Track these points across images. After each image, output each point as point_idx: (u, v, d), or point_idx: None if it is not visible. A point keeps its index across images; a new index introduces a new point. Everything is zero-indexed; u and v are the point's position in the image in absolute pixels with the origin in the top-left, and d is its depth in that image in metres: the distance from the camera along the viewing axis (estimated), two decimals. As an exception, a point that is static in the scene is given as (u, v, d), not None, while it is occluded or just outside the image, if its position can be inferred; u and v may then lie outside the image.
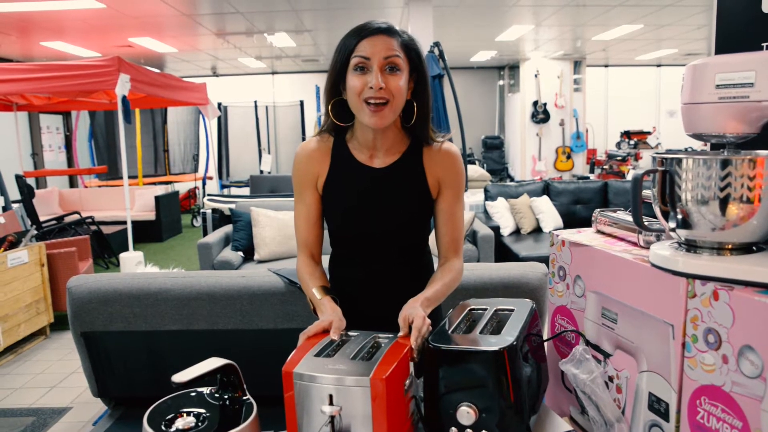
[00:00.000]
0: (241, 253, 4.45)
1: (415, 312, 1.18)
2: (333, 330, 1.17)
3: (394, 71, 1.24)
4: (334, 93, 1.32)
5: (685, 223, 0.99)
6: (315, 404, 1.00)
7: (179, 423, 1.00)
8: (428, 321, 1.16)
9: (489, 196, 5.74)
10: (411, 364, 1.09)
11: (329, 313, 1.24)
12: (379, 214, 1.37)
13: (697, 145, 8.65)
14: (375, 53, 1.23)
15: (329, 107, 1.34)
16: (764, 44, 1.18)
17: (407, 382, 1.06)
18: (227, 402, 1.08)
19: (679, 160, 0.97)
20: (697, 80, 0.97)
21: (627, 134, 10.93)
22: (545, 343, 1.32)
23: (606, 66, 11.97)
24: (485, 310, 1.24)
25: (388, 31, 1.25)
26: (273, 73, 11.87)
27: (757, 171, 0.91)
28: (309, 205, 1.43)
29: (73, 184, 10.41)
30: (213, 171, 9.84)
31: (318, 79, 11.69)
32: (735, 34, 1.26)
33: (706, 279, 0.94)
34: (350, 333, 1.18)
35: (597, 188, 5.90)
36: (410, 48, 1.29)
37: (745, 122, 0.95)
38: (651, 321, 1.05)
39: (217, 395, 1.09)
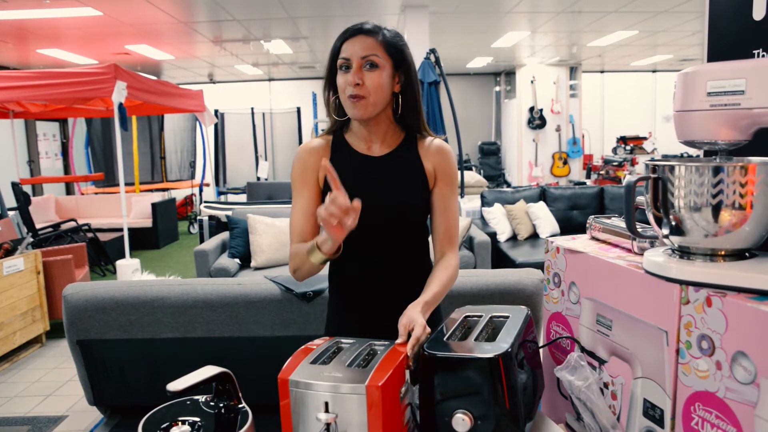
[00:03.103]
0: (237, 261, 4.45)
1: (415, 319, 1.19)
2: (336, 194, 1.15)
3: (372, 68, 1.33)
4: (331, 89, 1.42)
5: (678, 230, 0.99)
6: (311, 412, 1.00)
7: (174, 432, 0.99)
8: (428, 330, 1.18)
9: (486, 202, 5.75)
10: (407, 371, 1.09)
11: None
12: (379, 202, 1.39)
13: (694, 150, 8.67)
14: (354, 53, 1.32)
15: (328, 104, 1.44)
16: (755, 51, 1.19)
17: (403, 389, 1.06)
18: (223, 410, 1.07)
19: (672, 167, 0.97)
20: (688, 88, 0.98)
21: (623, 139, 10.96)
22: (541, 350, 1.32)
23: (602, 72, 12.03)
24: (480, 317, 1.24)
25: (368, 32, 1.34)
26: (270, 80, 11.89)
27: (749, 178, 0.92)
28: (307, 199, 1.45)
29: (69, 191, 10.39)
30: (210, 178, 9.84)
31: (315, 86, 11.71)
32: (727, 41, 1.27)
33: (699, 285, 0.94)
34: (346, 340, 1.18)
35: (593, 194, 5.92)
36: (390, 44, 1.36)
37: (737, 129, 0.96)
38: (645, 327, 1.05)
39: (212, 403, 1.09)
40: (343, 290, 1.49)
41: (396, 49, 1.37)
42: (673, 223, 0.99)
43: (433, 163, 1.44)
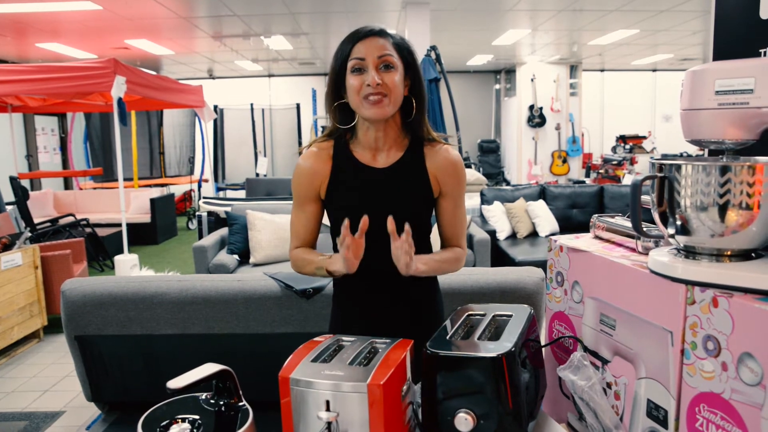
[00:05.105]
0: (236, 257, 4.44)
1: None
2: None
3: (388, 69, 1.31)
4: (335, 97, 1.38)
5: (684, 230, 0.98)
6: (312, 410, 1.00)
7: (174, 429, 0.98)
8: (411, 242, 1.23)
9: (485, 200, 5.74)
10: (408, 369, 1.08)
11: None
12: (381, 214, 1.37)
13: (693, 149, 8.68)
14: (369, 53, 1.30)
15: (331, 111, 1.40)
16: (762, 50, 1.18)
17: (404, 388, 1.06)
18: (223, 408, 1.06)
19: (678, 167, 0.96)
20: (696, 86, 0.97)
21: (623, 138, 10.96)
22: (543, 349, 1.31)
23: (602, 70, 12.01)
24: (483, 315, 1.23)
25: (380, 33, 1.32)
26: (269, 75, 11.86)
27: (757, 177, 0.91)
28: (308, 214, 1.46)
29: (67, 186, 10.35)
30: (209, 174, 9.81)
31: (315, 82, 11.68)
32: (733, 40, 1.27)
33: (705, 285, 0.93)
34: (347, 338, 1.17)
35: (593, 192, 5.91)
36: (402, 47, 1.35)
37: (745, 128, 0.95)
38: (650, 327, 1.04)
39: (212, 401, 1.08)
40: (347, 298, 1.48)
41: (408, 51, 1.36)
42: (679, 222, 0.99)
43: (439, 178, 1.41)
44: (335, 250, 1.49)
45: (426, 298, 1.50)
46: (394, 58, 1.32)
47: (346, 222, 1.22)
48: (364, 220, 1.22)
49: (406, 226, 1.22)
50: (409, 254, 1.23)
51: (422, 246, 1.47)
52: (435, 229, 1.52)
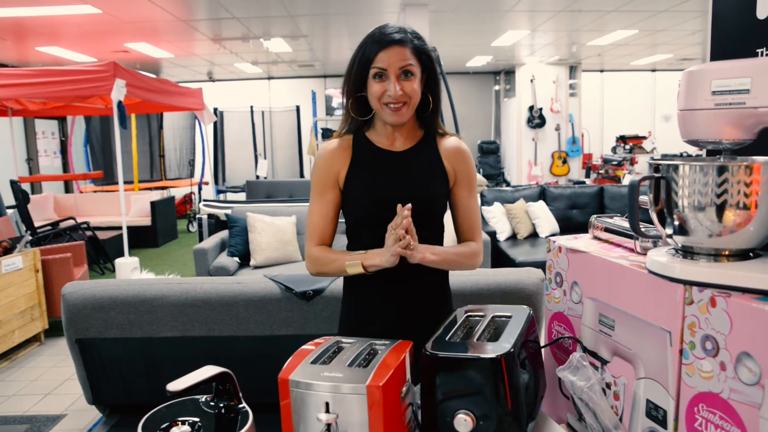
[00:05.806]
0: (237, 259, 4.44)
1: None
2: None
3: (408, 76, 1.39)
4: (355, 91, 1.44)
5: (682, 230, 0.99)
6: (311, 412, 1.00)
7: (174, 432, 0.99)
8: (417, 243, 1.32)
9: (485, 201, 5.74)
10: (408, 371, 1.08)
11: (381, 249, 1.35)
12: (401, 194, 1.41)
13: (693, 150, 8.68)
14: (391, 64, 1.37)
15: (349, 105, 1.47)
16: (759, 50, 1.18)
17: (404, 389, 1.06)
18: (223, 410, 1.07)
19: (676, 167, 0.97)
20: (693, 87, 0.97)
21: (623, 139, 10.96)
22: (542, 350, 1.31)
23: (601, 71, 12.01)
24: (483, 316, 1.23)
25: (401, 42, 1.38)
26: (269, 78, 11.87)
27: (754, 177, 0.91)
28: (328, 202, 1.49)
29: (68, 189, 10.36)
30: (209, 176, 9.82)
31: (314, 85, 11.69)
32: (730, 40, 1.27)
33: (703, 285, 0.94)
34: (346, 340, 1.18)
35: (593, 193, 5.91)
36: (420, 51, 1.42)
37: (742, 128, 0.95)
38: (648, 328, 1.04)
39: (212, 403, 1.08)
40: (362, 283, 1.48)
41: (426, 56, 1.43)
42: (677, 222, 0.99)
43: (452, 164, 1.49)
44: (349, 248, 1.50)
45: (436, 293, 1.52)
46: (414, 66, 1.39)
47: (406, 211, 1.28)
48: (402, 208, 1.28)
49: (401, 209, 1.28)
50: (406, 241, 1.29)
51: (435, 243, 1.48)
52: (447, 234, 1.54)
